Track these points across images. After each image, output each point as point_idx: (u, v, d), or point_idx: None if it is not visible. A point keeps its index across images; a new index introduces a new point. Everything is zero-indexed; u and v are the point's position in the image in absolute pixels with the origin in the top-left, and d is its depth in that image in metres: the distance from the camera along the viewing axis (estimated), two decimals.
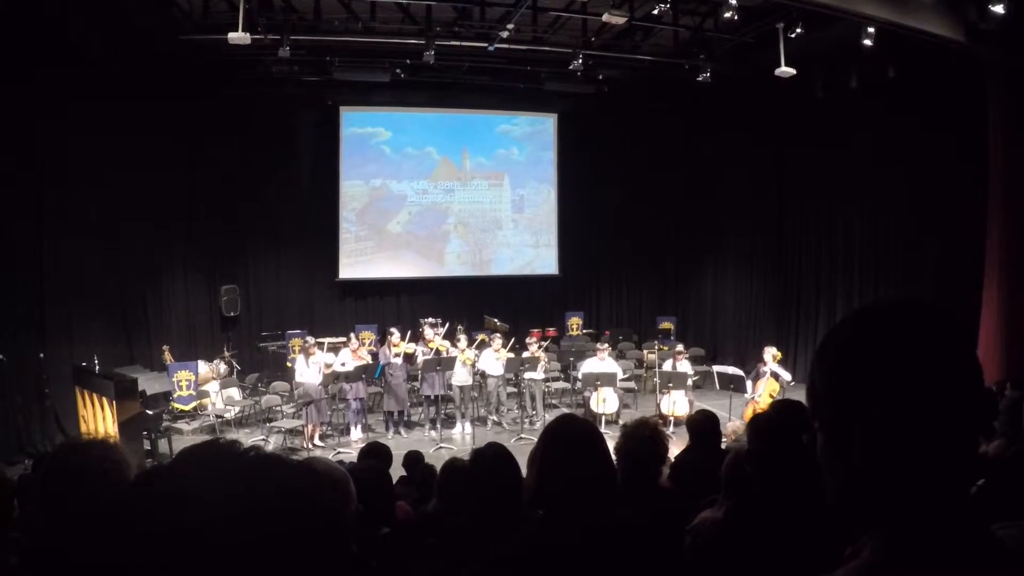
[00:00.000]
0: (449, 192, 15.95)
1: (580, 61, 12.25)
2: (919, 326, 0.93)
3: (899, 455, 0.90)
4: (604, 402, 11.10)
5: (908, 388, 0.89)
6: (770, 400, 9.78)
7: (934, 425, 0.89)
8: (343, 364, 11.09)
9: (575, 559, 1.98)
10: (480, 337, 12.58)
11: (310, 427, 10.66)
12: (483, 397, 12.01)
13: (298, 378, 11.03)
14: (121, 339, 11.94)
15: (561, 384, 13.05)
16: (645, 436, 3.33)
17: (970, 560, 0.89)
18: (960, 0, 8.94)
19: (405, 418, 11.67)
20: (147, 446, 9.51)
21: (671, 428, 10.48)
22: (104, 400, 9.05)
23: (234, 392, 12.03)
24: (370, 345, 12.87)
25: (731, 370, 11.76)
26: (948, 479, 0.91)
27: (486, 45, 11.75)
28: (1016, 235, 9.28)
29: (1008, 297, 9.34)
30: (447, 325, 12.95)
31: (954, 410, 0.90)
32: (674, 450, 4.11)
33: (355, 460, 6.35)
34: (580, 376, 11.54)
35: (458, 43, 11.85)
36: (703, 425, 4.69)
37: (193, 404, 11.38)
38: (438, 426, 11.18)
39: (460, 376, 11.42)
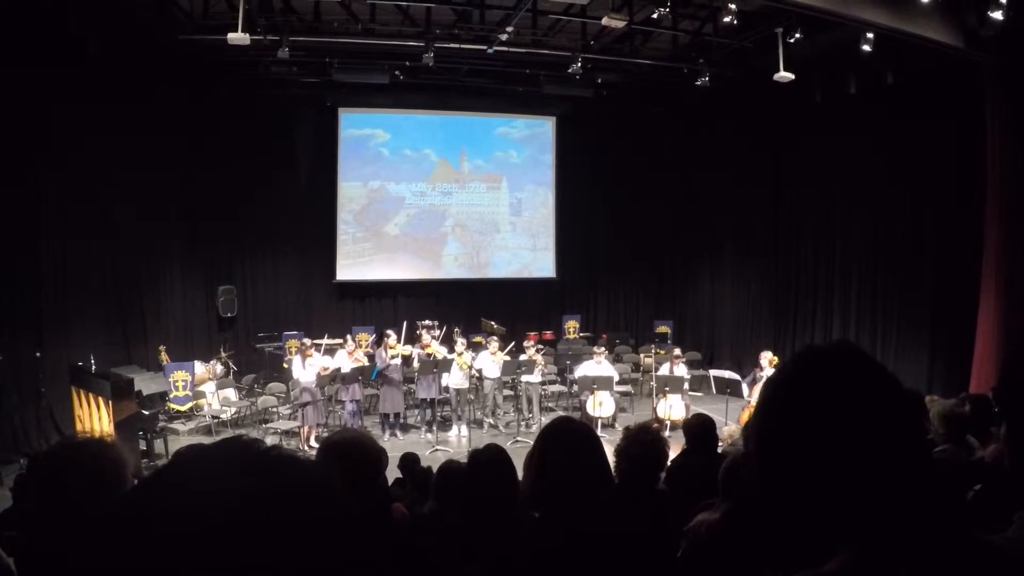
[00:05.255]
0: (447, 194, 15.94)
1: (579, 64, 12.23)
2: (849, 358, 1.05)
3: (857, 464, 0.97)
4: (601, 406, 11.11)
5: (854, 406, 0.99)
6: None
7: (883, 435, 0.98)
8: (339, 369, 11.08)
9: (571, 562, 1.98)
10: (477, 340, 12.57)
11: (306, 428, 10.64)
12: (479, 400, 12.00)
13: (294, 378, 11.02)
14: (118, 339, 11.91)
15: (558, 387, 13.05)
16: (647, 441, 3.34)
17: (942, 561, 0.94)
18: (960, 6, 8.95)
19: (401, 420, 11.65)
20: (143, 446, 9.51)
21: (667, 432, 10.46)
22: (100, 400, 9.02)
23: (230, 393, 12.01)
24: (367, 347, 12.86)
25: (728, 374, 11.78)
26: (910, 482, 0.98)
27: (485, 48, 11.75)
28: (1013, 240, 9.29)
29: (1006, 302, 9.34)
30: (443, 329, 12.94)
31: (896, 421, 1.00)
32: (670, 454, 4.11)
33: None
34: (576, 379, 11.54)
35: (457, 45, 11.85)
36: (699, 429, 4.70)
37: (189, 405, 11.37)
38: (434, 428, 11.17)
39: (456, 379, 11.40)
